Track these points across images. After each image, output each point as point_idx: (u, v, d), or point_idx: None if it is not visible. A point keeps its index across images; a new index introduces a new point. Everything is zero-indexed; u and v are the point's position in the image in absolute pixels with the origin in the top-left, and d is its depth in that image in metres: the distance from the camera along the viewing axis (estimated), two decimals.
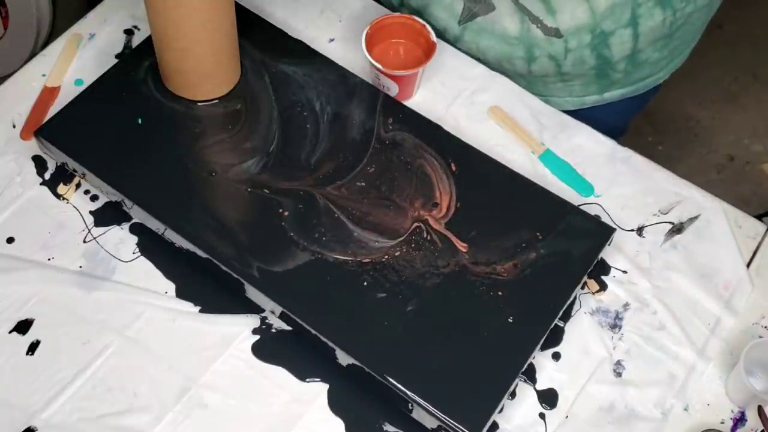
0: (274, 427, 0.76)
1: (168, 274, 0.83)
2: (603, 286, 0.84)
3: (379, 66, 0.89)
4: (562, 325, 0.82)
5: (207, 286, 0.82)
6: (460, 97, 0.95)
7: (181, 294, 0.82)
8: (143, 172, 0.84)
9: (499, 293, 0.78)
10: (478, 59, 0.97)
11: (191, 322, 0.81)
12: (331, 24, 1.00)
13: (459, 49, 0.98)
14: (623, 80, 0.99)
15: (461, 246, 0.81)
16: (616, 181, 0.90)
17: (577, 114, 0.95)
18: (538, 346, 0.77)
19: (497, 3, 0.90)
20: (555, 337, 0.81)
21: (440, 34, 0.98)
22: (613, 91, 1.01)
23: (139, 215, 0.84)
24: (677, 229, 0.88)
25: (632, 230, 0.88)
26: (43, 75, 0.95)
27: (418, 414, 0.74)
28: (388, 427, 0.77)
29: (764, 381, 0.80)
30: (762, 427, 0.76)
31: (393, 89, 0.91)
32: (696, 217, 0.88)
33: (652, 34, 0.91)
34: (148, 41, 0.90)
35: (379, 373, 0.74)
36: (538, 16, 0.89)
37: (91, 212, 0.87)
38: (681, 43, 0.98)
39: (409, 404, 0.74)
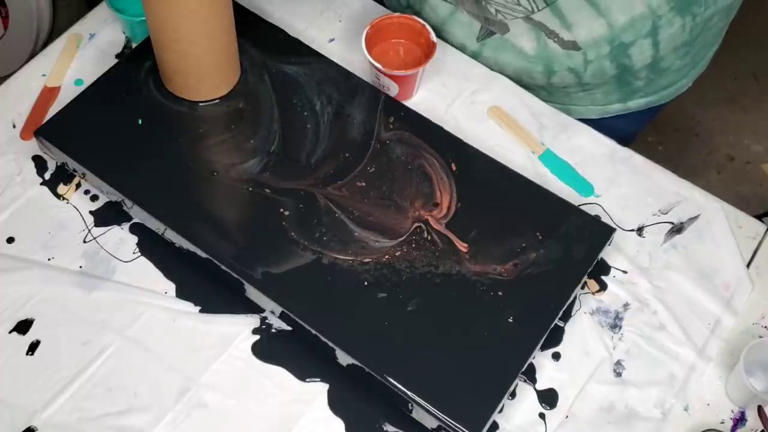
0: (274, 427, 0.76)
1: (168, 274, 0.83)
2: (603, 286, 0.84)
3: (379, 66, 0.89)
4: (562, 325, 0.82)
5: (207, 286, 0.82)
6: (460, 97, 0.95)
7: (181, 294, 0.82)
8: (143, 172, 0.84)
9: (499, 293, 0.78)
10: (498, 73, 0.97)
11: (191, 322, 0.81)
12: (331, 24, 1.00)
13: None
14: (645, 88, 0.97)
15: (461, 246, 0.81)
16: (616, 181, 0.90)
17: (600, 123, 0.94)
18: (538, 346, 0.77)
19: (511, 24, 0.90)
20: (555, 337, 0.81)
21: (458, 50, 0.98)
22: (637, 99, 0.99)
23: (139, 215, 0.84)
24: (677, 229, 0.88)
25: (632, 230, 0.88)
26: (43, 75, 0.95)
27: (418, 414, 0.74)
28: (388, 427, 0.77)
29: (764, 381, 0.80)
30: (762, 427, 0.76)
31: (393, 89, 0.91)
32: (696, 217, 0.88)
33: (673, 41, 0.90)
34: (147, 41, 0.90)
35: (379, 373, 0.74)
36: (554, 30, 0.88)
37: (91, 212, 0.87)
38: (702, 48, 0.96)
39: (409, 404, 0.74)
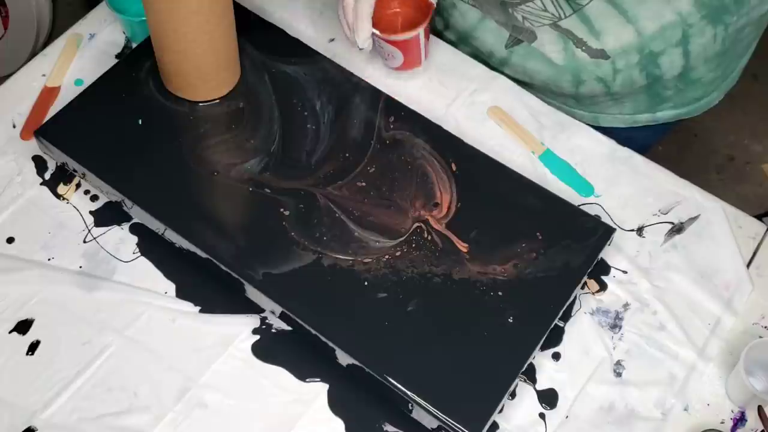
0: (274, 427, 0.76)
1: (168, 274, 0.83)
2: (603, 286, 0.84)
3: (378, 33, 0.87)
4: (562, 325, 0.82)
5: (207, 286, 0.82)
6: (460, 97, 0.95)
7: (181, 294, 0.82)
8: (143, 172, 0.84)
9: (499, 293, 0.78)
10: (525, 83, 0.96)
11: (191, 322, 0.81)
12: (331, 24, 1.00)
13: (503, 73, 0.97)
14: (675, 98, 0.95)
15: (462, 246, 0.81)
16: (616, 181, 0.90)
17: (627, 132, 0.94)
18: (538, 346, 0.77)
19: (538, 31, 0.89)
20: (555, 337, 0.81)
21: (487, 57, 0.97)
22: (667, 111, 0.98)
23: (139, 215, 0.84)
24: (677, 229, 0.88)
25: (632, 230, 0.88)
26: (43, 75, 0.95)
27: (418, 414, 0.74)
28: (388, 427, 0.77)
29: (764, 381, 0.80)
30: (762, 427, 0.76)
31: (398, 58, 0.90)
32: (696, 217, 0.88)
33: (704, 51, 0.88)
34: (147, 41, 0.90)
35: (379, 373, 0.74)
36: (582, 38, 0.87)
37: (91, 212, 0.87)
38: (733, 59, 0.95)
39: (409, 404, 0.74)
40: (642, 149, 0.93)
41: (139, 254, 0.84)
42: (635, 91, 0.93)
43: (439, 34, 1.01)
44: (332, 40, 0.99)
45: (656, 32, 0.85)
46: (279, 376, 0.79)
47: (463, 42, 0.99)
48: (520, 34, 0.90)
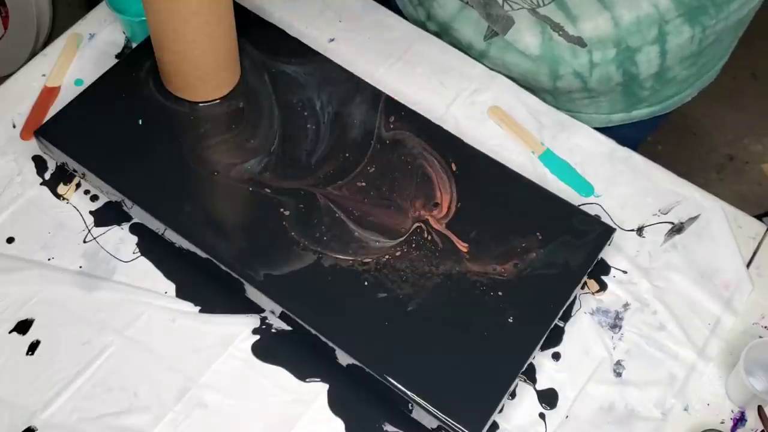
0: (274, 427, 0.76)
1: (168, 274, 0.83)
2: (603, 286, 0.84)
3: None
4: (562, 325, 0.82)
5: (207, 286, 0.82)
6: (460, 97, 0.95)
7: (181, 294, 0.82)
8: (143, 172, 0.84)
9: (499, 293, 0.78)
10: (504, 75, 0.97)
11: (191, 322, 0.81)
12: (331, 24, 1.00)
13: (485, 65, 0.97)
14: (651, 98, 0.96)
15: (462, 246, 0.81)
16: (615, 181, 0.90)
17: (603, 131, 0.94)
18: (538, 346, 0.77)
19: (516, 16, 0.89)
20: (555, 337, 0.81)
21: (466, 49, 0.97)
22: (641, 109, 0.98)
23: (139, 215, 0.84)
24: (677, 229, 0.88)
25: (632, 230, 0.88)
26: (43, 75, 0.95)
27: (418, 414, 0.74)
28: (388, 427, 0.77)
29: (764, 381, 0.80)
30: (762, 427, 0.76)
31: None
32: (696, 217, 0.88)
33: (681, 51, 0.89)
34: (147, 41, 0.90)
35: (379, 373, 0.74)
36: (559, 23, 0.87)
37: (91, 212, 0.87)
38: (710, 59, 0.95)
39: (409, 404, 0.74)
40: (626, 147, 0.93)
41: (139, 254, 0.84)
42: (612, 88, 0.94)
43: (423, 25, 1.01)
44: (332, 40, 0.99)
45: (633, 24, 0.85)
46: (279, 376, 0.79)
47: (444, 33, 0.99)
48: (497, 23, 0.90)
